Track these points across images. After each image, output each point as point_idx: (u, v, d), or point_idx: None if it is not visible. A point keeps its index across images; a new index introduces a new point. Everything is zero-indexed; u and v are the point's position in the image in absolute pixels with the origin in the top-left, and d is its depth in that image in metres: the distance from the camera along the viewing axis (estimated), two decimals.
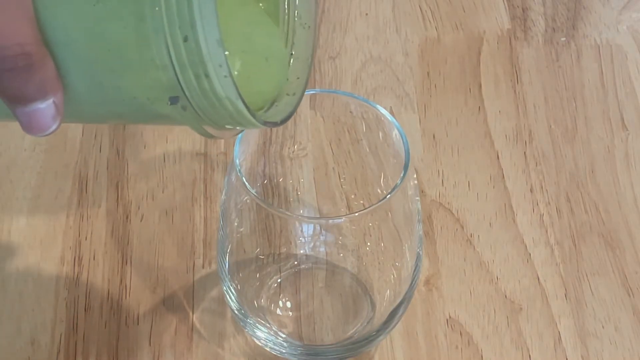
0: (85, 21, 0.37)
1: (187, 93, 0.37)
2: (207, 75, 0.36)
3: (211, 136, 0.40)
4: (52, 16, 0.37)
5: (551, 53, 0.67)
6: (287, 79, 0.43)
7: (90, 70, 0.38)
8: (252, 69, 0.42)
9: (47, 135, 0.38)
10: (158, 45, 0.36)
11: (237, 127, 0.40)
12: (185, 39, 0.36)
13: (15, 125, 0.63)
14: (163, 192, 0.60)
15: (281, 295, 0.54)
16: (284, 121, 0.42)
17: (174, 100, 0.38)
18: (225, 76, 0.36)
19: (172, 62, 0.36)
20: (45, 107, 0.37)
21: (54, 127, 0.38)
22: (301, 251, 0.54)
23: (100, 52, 0.37)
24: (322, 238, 0.54)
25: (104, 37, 0.37)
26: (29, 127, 0.38)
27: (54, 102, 0.37)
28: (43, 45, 0.37)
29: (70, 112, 0.39)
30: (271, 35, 0.44)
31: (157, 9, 0.36)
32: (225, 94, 0.37)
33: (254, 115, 0.38)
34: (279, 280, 0.54)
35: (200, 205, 0.59)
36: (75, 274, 0.57)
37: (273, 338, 0.50)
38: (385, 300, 0.53)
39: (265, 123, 0.40)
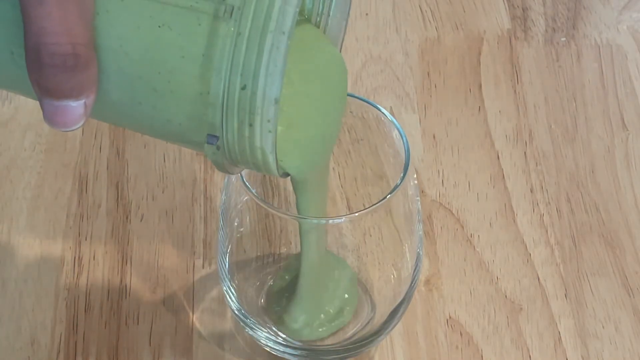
0: (145, 39, 0.37)
1: (224, 134, 0.37)
2: (251, 125, 0.37)
3: (226, 170, 0.40)
4: (111, 23, 0.37)
5: (551, 53, 0.67)
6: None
7: (132, 84, 0.37)
8: (297, 133, 0.42)
9: (65, 130, 0.38)
10: (215, 85, 0.36)
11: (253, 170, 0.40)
12: (244, 88, 0.36)
13: (15, 126, 0.63)
14: (163, 192, 0.60)
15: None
16: (299, 175, 0.43)
17: (212, 139, 0.38)
18: (270, 131, 0.37)
19: (222, 103, 0.37)
20: (76, 106, 0.37)
21: (77, 125, 0.38)
22: None
23: (149, 71, 0.37)
24: None
25: (158, 59, 0.37)
26: (52, 119, 0.37)
27: (84, 103, 0.37)
28: (93, 48, 0.36)
29: (94, 112, 0.38)
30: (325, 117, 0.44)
31: (224, 49, 0.36)
32: (262, 145, 0.37)
33: (277, 169, 0.39)
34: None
35: (200, 205, 0.59)
36: (75, 274, 0.57)
37: (273, 338, 0.50)
38: (385, 301, 0.53)
39: (283, 174, 0.42)
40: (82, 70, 0.36)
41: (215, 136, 0.38)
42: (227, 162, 0.39)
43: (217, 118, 0.37)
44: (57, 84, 0.36)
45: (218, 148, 0.38)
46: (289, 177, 0.43)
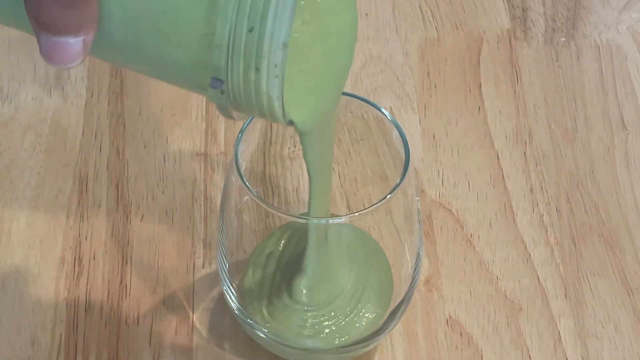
0: None
1: (229, 78, 0.36)
2: (257, 69, 0.36)
3: (230, 116, 0.39)
4: None
5: (551, 53, 0.67)
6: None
7: (135, 23, 0.36)
8: (303, 80, 0.40)
9: (63, 68, 0.36)
10: (221, 26, 0.35)
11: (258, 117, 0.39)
12: (251, 30, 0.35)
13: (15, 126, 0.63)
14: (163, 192, 0.60)
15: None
16: (305, 124, 0.41)
17: (216, 83, 0.37)
18: (277, 77, 0.36)
19: (228, 46, 0.35)
20: (74, 43, 0.36)
21: (74, 63, 0.36)
22: None
23: (152, 10, 0.36)
24: None
25: None
26: (49, 55, 0.36)
27: (83, 40, 0.36)
28: None
29: (95, 51, 0.37)
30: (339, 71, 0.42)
31: None
32: (268, 90, 0.36)
33: (284, 116, 0.38)
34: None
35: (200, 205, 0.59)
36: (75, 274, 0.57)
37: (273, 338, 0.50)
38: None
39: (290, 122, 0.40)
40: (81, 5, 0.35)
41: (220, 80, 0.36)
42: (231, 107, 0.38)
43: (222, 61, 0.36)
44: (55, 18, 0.35)
45: (222, 92, 0.37)
46: (295, 128, 0.41)
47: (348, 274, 0.51)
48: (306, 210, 0.47)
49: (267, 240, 0.52)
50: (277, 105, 0.37)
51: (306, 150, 0.43)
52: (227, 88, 0.37)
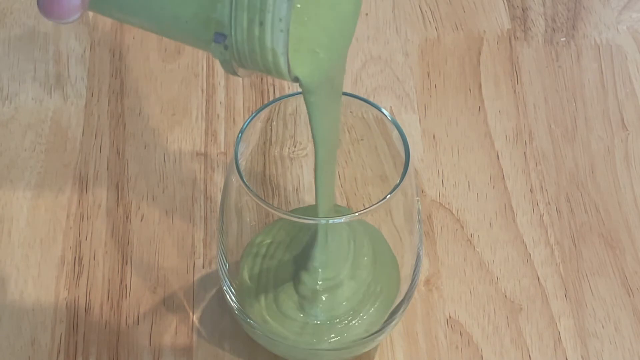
0: None
1: (232, 32, 0.35)
2: (261, 24, 0.35)
3: (234, 72, 0.38)
4: None
5: (551, 53, 0.67)
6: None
7: None
8: (308, 32, 0.39)
9: (61, 22, 0.36)
10: None
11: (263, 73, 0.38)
12: None
13: (15, 126, 0.63)
14: (163, 192, 0.60)
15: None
16: (310, 80, 0.40)
17: (219, 37, 0.36)
18: (282, 31, 0.35)
19: None
20: None
21: (73, 18, 0.35)
22: None
23: None
24: None
25: None
26: (47, 9, 0.35)
27: None
28: None
29: (94, 4, 0.37)
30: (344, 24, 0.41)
31: None
32: (273, 46, 0.35)
33: (289, 71, 0.37)
34: None
35: (200, 205, 0.59)
36: (75, 274, 0.57)
37: (273, 338, 0.50)
38: None
39: (295, 79, 0.39)
40: None
41: (223, 34, 0.36)
42: (235, 63, 0.37)
43: (226, 15, 0.35)
44: None
45: (226, 47, 0.36)
46: (300, 85, 0.41)
47: (354, 268, 0.50)
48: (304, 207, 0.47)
49: (256, 238, 0.52)
50: (282, 60, 0.36)
51: (311, 113, 0.42)
52: (231, 43, 0.36)
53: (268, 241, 0.52)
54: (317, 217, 0.47)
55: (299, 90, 0.42)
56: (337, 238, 0.49)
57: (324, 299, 0.50)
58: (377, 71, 0.66)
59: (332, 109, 0.44)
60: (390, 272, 0.51)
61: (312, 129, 0.43)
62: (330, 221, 0.47)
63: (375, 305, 0.50)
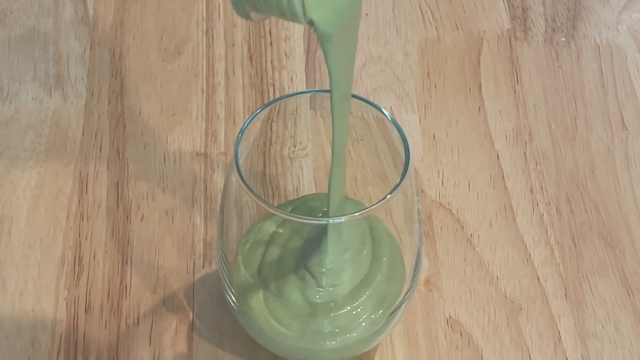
0: None
1: None
2: None
3: (247, 16, 0.37)
4: None
5: (551, 53, 0.67)
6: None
7: None
8: None
9: None
10: None
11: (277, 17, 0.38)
12: None
13: (15, 126, 0.63)
14: (163, 192, 0.60)
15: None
16: (326, 26, 0.39)
17: None
18: None
19: None
20: None
21: None
22: None
23: None
24: None
25: None
26: None
27: None
28: None
29: None
30: None
31: None
32: None
33: (304, 14, 0.36)
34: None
35: (200, 205, 0.59)
36: (75, 274, 0.57)
37: (273, 338, 0.50)
38: None
39: (310, 23, 0.38)
40: None
41: None
42: (248, 6, 0.36)
43: None
44: None
45: None
46: (315, 30, 0.40)
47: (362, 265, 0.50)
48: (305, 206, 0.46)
49: (249, 235, 0.51)
50: (297, 3, 0.35)
51: (328, 55, 0.41)
52: None
53: (266, 238, 0.51)
54: (323, 211, 0.46)
55: (299, 90, 0.42)
56: (347, 237, 0.48)
57: (327, 298, 0.49)
58: (377, 71, 0.66)
59: (348, 50, 0.43)
60: (400, 273, 0.51)
61: (328, 69, 0.42)
62: (331, 221, 0.47)
63: (375, 306, 0.50)
